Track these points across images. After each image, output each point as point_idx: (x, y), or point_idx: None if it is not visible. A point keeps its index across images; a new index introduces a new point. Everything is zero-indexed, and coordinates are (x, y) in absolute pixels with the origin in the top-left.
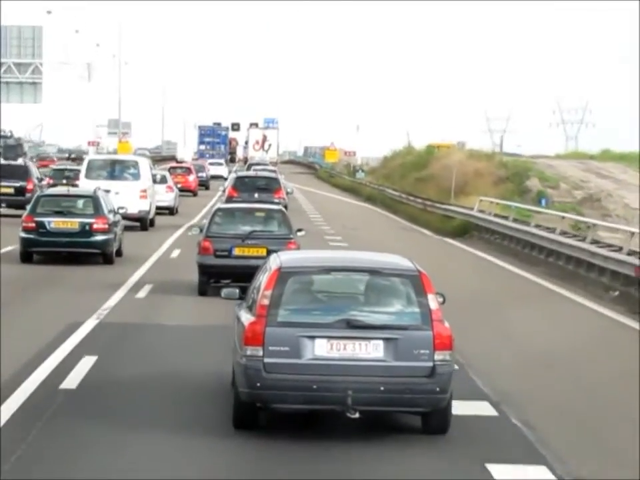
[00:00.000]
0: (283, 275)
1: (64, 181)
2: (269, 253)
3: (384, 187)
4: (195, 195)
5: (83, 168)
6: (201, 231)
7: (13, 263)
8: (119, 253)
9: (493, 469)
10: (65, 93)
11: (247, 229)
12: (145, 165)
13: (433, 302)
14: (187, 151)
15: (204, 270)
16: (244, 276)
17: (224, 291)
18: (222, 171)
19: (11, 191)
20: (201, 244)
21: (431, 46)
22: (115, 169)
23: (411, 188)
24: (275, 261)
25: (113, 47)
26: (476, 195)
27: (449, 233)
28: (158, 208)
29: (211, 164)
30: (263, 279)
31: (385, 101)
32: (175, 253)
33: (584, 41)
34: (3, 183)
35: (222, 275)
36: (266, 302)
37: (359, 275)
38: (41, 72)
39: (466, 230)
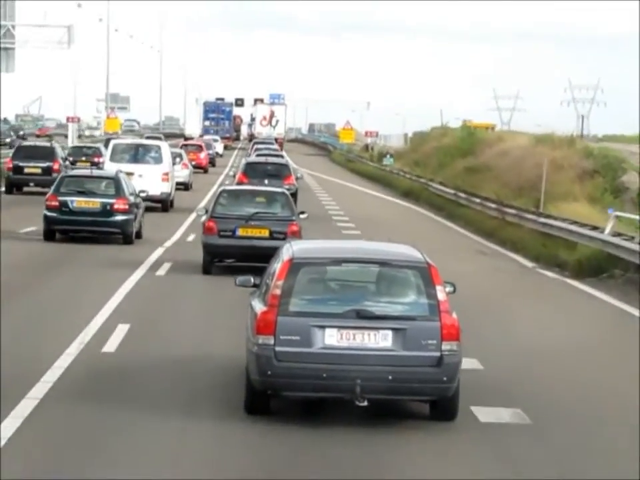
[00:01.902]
0: (294, 266)
1: (83, 158)
2: (272, 234)
3: (426, 179)
4: (205, 171)
5: (108, 152)
6: (207, 212)
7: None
8: (139, 235)
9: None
10: (45, 61)
11: (250, 210)
12: (166, 149)
13: (441, 293)
14: (195, 127)
15: (208, 249)
16: (247, 255)
17: (238, 279)
18: (217, 147)
19: (39, 170)
20: (205, 224)
21: (437, 23)
22: (138, 153)
23: (460, 181)
24: (287, 251)
25: (98, 10)
26: (558, 196)
27: (564, 266)
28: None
29: None
30: (275, 269)
31: (388, 78)
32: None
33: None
34: (32, 164)
35: (225, 255)
36: (278, 292)
37: (369, 266)
38: (13, 36)
39: (601, 267)
